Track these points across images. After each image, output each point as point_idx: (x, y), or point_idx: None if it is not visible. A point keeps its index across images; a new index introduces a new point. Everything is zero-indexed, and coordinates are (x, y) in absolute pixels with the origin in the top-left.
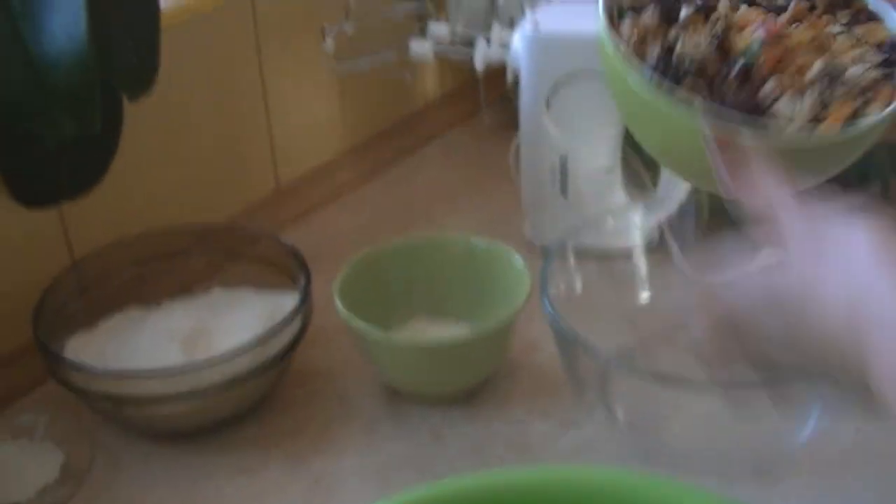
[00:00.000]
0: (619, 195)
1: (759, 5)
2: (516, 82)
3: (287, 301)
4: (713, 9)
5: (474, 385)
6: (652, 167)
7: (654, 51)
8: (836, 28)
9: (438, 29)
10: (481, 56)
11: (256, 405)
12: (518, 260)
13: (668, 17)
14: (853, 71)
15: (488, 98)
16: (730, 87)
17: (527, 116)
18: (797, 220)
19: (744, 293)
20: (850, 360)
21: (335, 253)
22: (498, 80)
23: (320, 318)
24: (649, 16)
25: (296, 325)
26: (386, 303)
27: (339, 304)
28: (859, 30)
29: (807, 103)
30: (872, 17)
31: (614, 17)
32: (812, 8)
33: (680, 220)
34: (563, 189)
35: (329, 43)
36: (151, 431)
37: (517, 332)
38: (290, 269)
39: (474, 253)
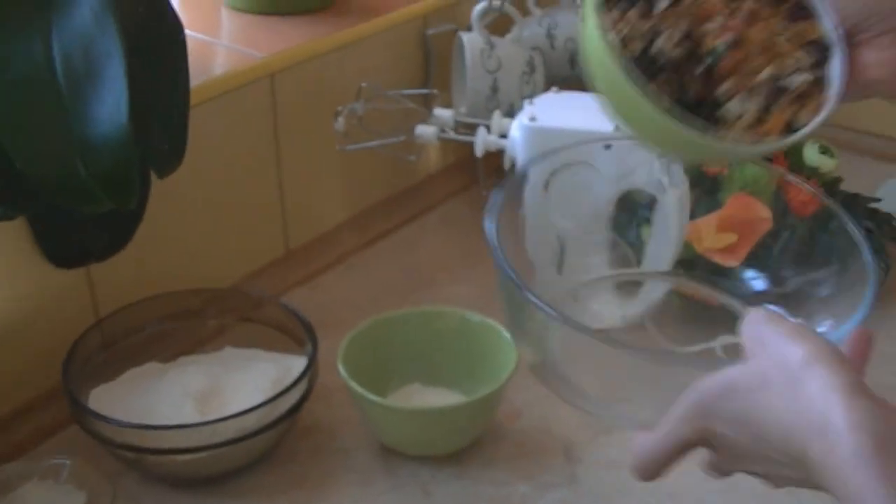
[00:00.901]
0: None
1: None
2: (513, 168)
3: (294, 363)
4: None
5: (463, 447)
6: (637, 249)
7: (635, 45)
8: (780, 25)
9: (443, 115)
10: (481, 142)
11: (265, 456)
12: (506, 336)
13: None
14: (793, 79)
15: (487, 172)
16: (695, 82)
17: (529, 202)
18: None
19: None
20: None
21: (340, 314)
22: (498, 156)
23: (324, 376)
24: (636, 12)
25: (302, 387)
26: (385, 369)
27: (341, 370)
28: (796, 27)
29: (752, 109)
30: (807, 13)
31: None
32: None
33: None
34: (559, 266)
35: (340, 123)
36: (169, 478)
37: (504, 400)
38: (296, 332)
39: (468, 326)
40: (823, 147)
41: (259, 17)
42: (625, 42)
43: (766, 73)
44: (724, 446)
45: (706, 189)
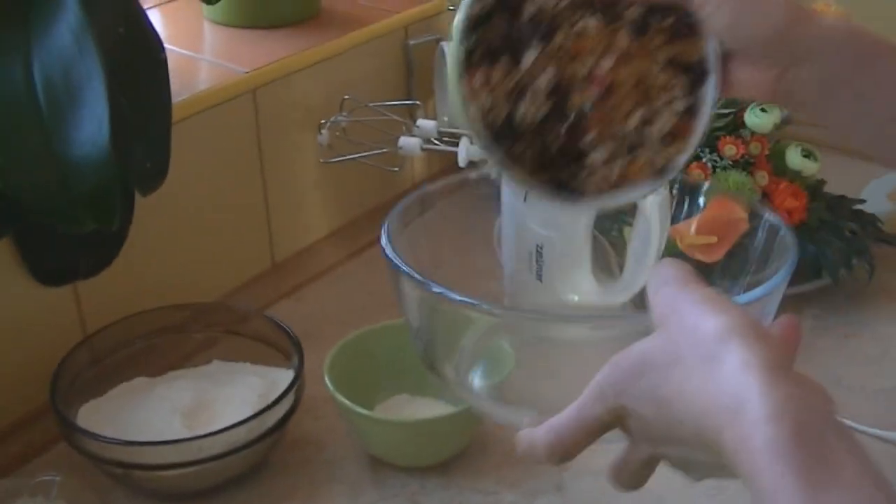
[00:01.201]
0: (587, 281)
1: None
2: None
3: (281, 376)
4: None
5: (451, 457)
6: (619, 252)
7: (498, 113)
8: (657, 53)
9: (426, 125)
10: (465, 153)
11: (253, 470)
12: None
13: (517, 59)
14: (662, 119)
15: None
16: (557, 137)
17: (507, 208)
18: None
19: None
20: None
21: (326, 326)
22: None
23: (311, 388)
24: (502, 68)
25: (289, 401)
26: (371, 380)
27: (327, 382)
28: (674, 49)
29: (616, 165)
30: (689, 30)
31: (470, 56)
32: (642, 25)
33: None
34: (539, 274)
35: (324, 135)
36: (158, 493)
37: None
38: (283, 345)
39: None
40: (806, 150)
41: (241, 30)
42: (486, 112)
43: (633, 120)
44: (639, 428)
45: (687, 193)
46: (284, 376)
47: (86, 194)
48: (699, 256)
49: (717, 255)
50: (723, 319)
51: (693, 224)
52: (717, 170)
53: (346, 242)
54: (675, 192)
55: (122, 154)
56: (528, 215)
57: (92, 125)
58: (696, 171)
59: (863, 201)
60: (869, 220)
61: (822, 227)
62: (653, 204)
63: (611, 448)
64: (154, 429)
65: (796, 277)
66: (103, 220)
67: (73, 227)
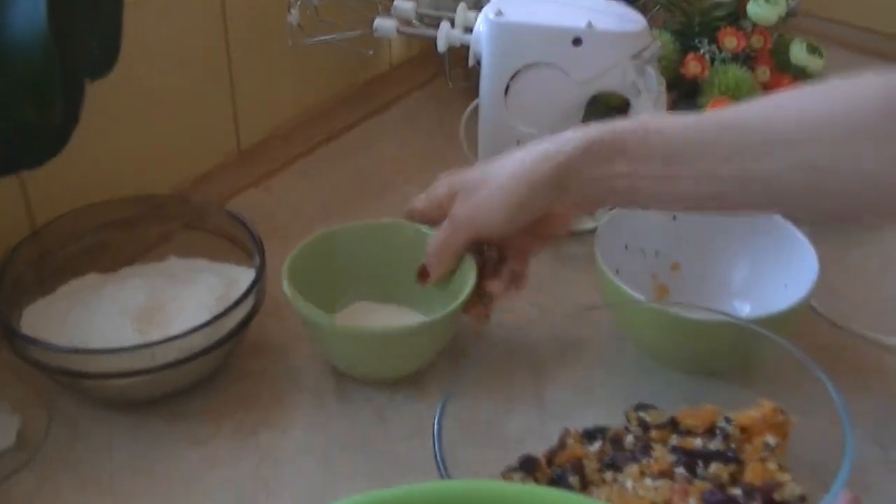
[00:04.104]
0: None
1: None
2: (478, 64)
3: (242, 276)
4: None
5: (419, 370)
6: None
7: None
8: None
9: (404, 6)
10: (444, 37)
11: (210, 376)
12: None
13: None
14: None
15: (453, 64)
16: None
17: (486, 101)
18: None
19: None
20: None
21: (294, 219)
22: (463, 50)
23: (275, 289)
24: None
25: (249, 304)
26: (334, 284)
27: (285, 287)
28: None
29: None
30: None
31: None
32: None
33: None
34: None
35: (294, 15)
36: (108, 401)
37: (462, 319)
38: (244, 242)
39: (423, 241)
40: (811, 45)
41: None
42: None
43: None
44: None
45: (685, 92)
46: (245, 276)
47: (23, 81)
48: None
49: None
50: None
51: None
52: (716, 63)
53: (317, 129)
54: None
55: (64, 36)
56: (508, 112)
57: (26, 4)
58: (693, 64)
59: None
60: None
61: None
62: (646, 102)
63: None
64: (104, 333)
65: None
66: (44, 109)
67: (12, 118)
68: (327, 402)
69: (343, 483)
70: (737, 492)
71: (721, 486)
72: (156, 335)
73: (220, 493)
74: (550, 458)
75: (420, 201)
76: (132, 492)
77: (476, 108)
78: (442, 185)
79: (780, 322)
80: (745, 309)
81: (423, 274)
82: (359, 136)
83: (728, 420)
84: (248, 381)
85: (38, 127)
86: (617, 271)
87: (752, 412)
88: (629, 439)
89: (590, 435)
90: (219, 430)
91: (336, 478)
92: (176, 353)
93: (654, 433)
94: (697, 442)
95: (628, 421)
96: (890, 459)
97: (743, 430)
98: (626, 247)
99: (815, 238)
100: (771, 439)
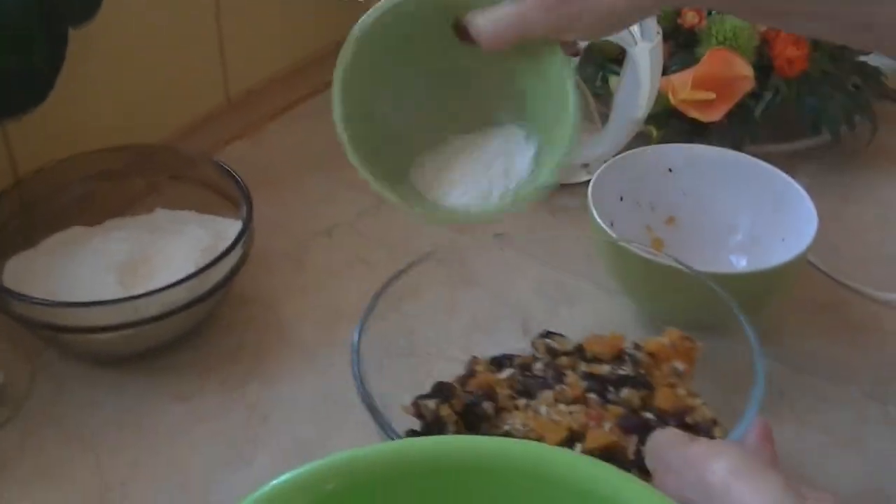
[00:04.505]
0: None
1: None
2: None
3: (229, 228)
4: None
5: None
6: (602, 99)
7: None
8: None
9: None
10: None
11: (196, 329)
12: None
13: None
14: None
15: None
16: None
17: None
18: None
19: None
20: None
21: (284, 171)
22: None
23: (264, 240)
24: None
25: (236, 255)
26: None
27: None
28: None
29: None
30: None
31: None
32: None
33: None
34: None
35: None
36: (91, 356)
37: None
38: (232, 193)
39: None
40: None
41: None
42: None
43: None
44: None
45: (682, 42)
46: (233, 228)
47: (3, 27)
48: (694, 114)
49: (715, 115)
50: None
51: (689, 77)
52: (714, 13)
53: (309, 77)
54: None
55: None
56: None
57: None
58: (690, 14)
59: (867, 53)
60: (872, 74)
61: (823, 79)
62: (643, 51)
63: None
64: (87, 287)
65: (793, 133)
66: (23, 54)
67: None
68: (316, 355)
69: (333, 436)
70: (649, 416)
71: (633, 411)
72: (140, 288)
73: (207, 447)
74: (462, 384)
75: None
76: (117, 447)
77: None
78: None
79: (777, 276)
80: (741, 263)
81: (463, 33)
82: None
83: (637, 347)
84: (235, 335)
85: (20, 74)
86: (611, 223)
87: (660, 339)
88: (538, 366)
89: (498, 363)
90: (205, 385)
91: (326, 431)
92: (160, 306)
93: (562, 360)
94: (606, 368)
95: (535, 349)
96: (889, 415)
97: (651, 356)
98: (621, 198)
99: (814, 192)
100: (679, 365)
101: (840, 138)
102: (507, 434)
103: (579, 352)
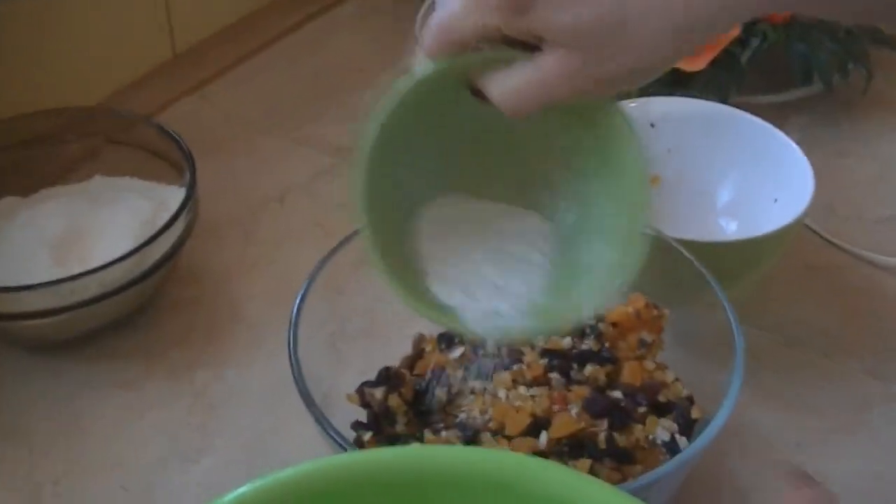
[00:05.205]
0: None
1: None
2: None
3: (172, 195)
4: None
5: None
6: None
7: None
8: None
9: None
10: None
11: (139, 310)
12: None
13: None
14: None
15: None
16: None
17: None
18: None
19: None
20: None
21: (231, 131)
22: None
23: (211, 209)
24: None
25: (180, 227)
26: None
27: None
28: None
29: None
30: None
31: None
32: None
33: None
34: None
35: None
36: (24, 343)
37: None
38: (174, 157)
39: None
40: None
41: None
42: None
43: None
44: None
45: None
46: (176, 196)
47: None
48: (678, 63)
49: (699, 63)
50: None
51: None
52: None
53: (260, 28)
54: None
55: None
56: None
57: None
58: None
59: None
60: None
61: (813, 24)
62: None
63: None
64: (19, 266)
65: (783, 83)
66: None
67: None
68: (269, 336)
69: (287, 427)
70: (617, 395)
71: (600, 390)
72: (76, 267)
73: (152, 440)
74: (410, 368)
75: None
76: (52, 441)
77: (433, 2)
78: None
79: (770, 243)
80: (731, 227)
81: (483, 96)
82: (307, 37)
83: (599, 317)
84: (182, 315)
85: None
86: None
87: (624, 308)
88: (490, 343)
89: (447, 339)
90: (150, 371)
91: (279, 421)
92: (98, 286)
93: None
94: (566, 342)
95: None
96: (891, 393)
97: (614, 326)
98: None
99: (805, 146)
100: (646, 336)
101: (833, 88)
102: (462, 425)
103: None
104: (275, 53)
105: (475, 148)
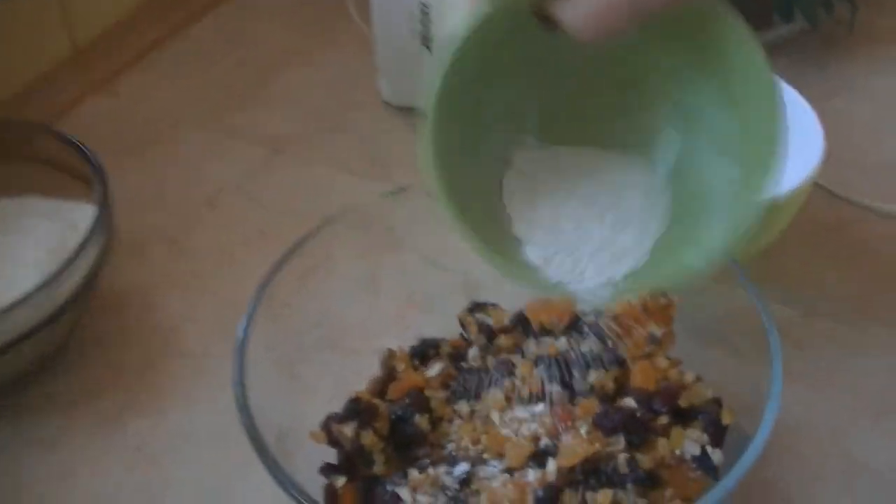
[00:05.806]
0: None
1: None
2: None
3: (82, 214)
4: None
5: None
6: None
7: None
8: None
9: None
10: None
11: (55, 353)
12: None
13: None
14: None
15: None
16: None
17: None
18: None
19: None
20: None
21: (151, 129)
22: None
23: (132, 222)
24: None
25: (94, 250)
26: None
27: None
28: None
29: None
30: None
31: None
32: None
33: None
34: (426, 41)
35: None
36: None
37: None
38: (81, 169)
39: None
40: None
41: None
42: None
43: None
44: None
45: None
46: (87, 214)
47: None
48: None
49: None
50: None
51: None
52: None
53: (173, 12)
54: None
55: None
56: None
57: None
58: None
59: None
60: None
61: None
62: None
63: None
64: None
65: (763, 21)
66: None
67: None
68: (212, 367)
69: (242, 476)
70: (630, 403)
71: (609, 400)
72: None
73: None
74: (381, 392)
75: None
76: None
77: None
78: None
79: (778, 208)
80: None
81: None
82: (222, 21)
83: (597, 311)
84: (108, 352)
85: None
86: None
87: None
88: (473, 353)
89: (421, 354)
90: (73, 423)
91: (232, 470)
92: (1, 335)
93: (501, 341)
94: (561, 344)
95: (464, 328)
96: None
97: (617, 321)
98: None
99: (795, 86)
100: (656, 329)
101: (818, 24)
102: (452, 458)
103: (522, 324)
104: (192, 40)
105: (554, 91)
